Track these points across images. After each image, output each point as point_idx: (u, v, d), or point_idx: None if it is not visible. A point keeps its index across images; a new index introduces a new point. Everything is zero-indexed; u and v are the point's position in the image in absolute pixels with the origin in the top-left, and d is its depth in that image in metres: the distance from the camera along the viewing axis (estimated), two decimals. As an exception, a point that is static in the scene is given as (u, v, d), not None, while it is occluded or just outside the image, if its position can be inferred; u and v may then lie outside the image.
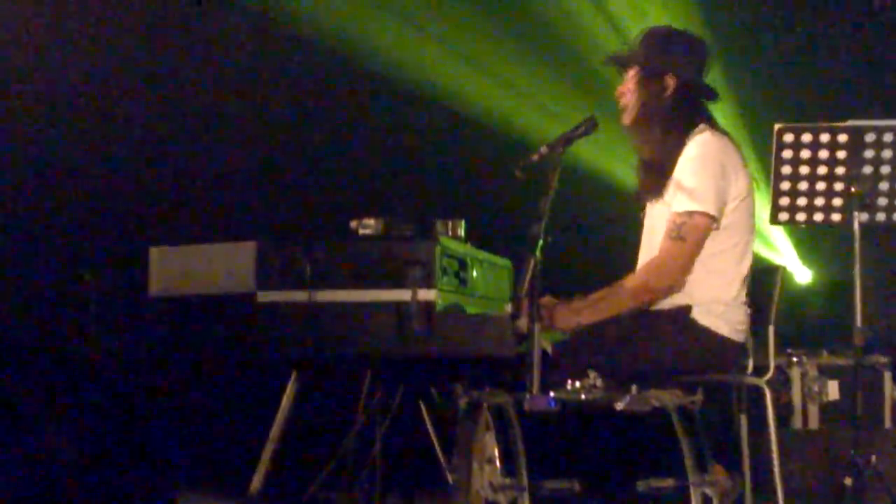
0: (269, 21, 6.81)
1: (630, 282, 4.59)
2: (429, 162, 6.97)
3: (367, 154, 6.93)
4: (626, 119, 4.71)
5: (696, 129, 4.61)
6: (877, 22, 6.98)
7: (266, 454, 4.86)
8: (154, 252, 4.95)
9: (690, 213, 4.50)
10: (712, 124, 4.65)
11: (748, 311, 4.63)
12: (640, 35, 4.77)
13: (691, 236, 4.50)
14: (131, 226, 6.35)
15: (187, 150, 6.67)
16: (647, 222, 4.73)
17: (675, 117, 4.61)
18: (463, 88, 6.90)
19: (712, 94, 4.72)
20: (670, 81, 4.64)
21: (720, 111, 4.80)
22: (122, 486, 5.51)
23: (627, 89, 4.70)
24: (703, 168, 4.52)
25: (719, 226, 4.52)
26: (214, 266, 4.83)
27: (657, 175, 4.61)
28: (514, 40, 6.99)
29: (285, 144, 6.81)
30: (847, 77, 6.99)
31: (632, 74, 4.70)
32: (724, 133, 4.66)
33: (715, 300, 4.56)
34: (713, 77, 4.78)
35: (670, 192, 4.58)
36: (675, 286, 4.54)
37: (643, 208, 4.74)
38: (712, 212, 4.49)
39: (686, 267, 4.53)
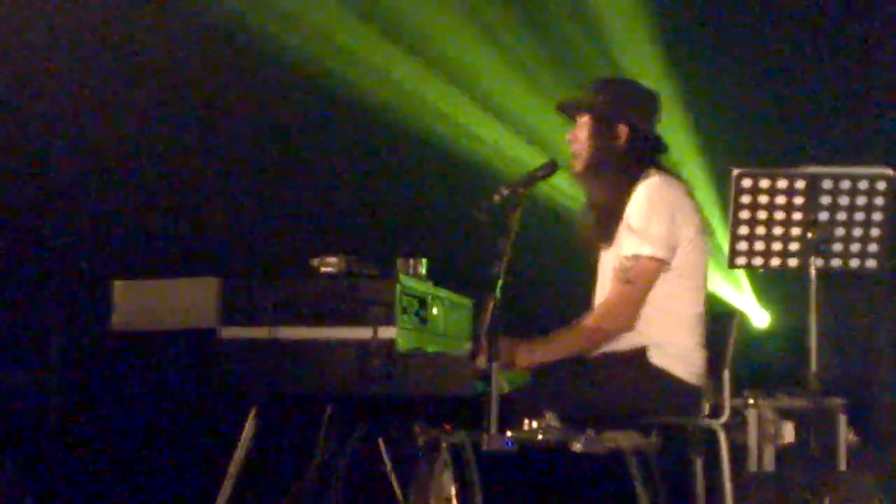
0: (225, 52, 6.80)
1: (581, 324, 4.64)
2: (391, 200, 6.99)
3: (330, 191, 6.94)
4: (577, 166, 4.76)
5: (647, 174, 4.67)
6: (838, 70, 7.07)
7: (225, 490, 4.84)
8: (117, 286, 4.95)
9: (638, 257, 4.55)
10: (662, 169, 4.71)
11: (705, 354, 4.68)
12: (592, 83, 4.83)
13: (639, 279, 4.56)
14: (95, 259, 6.32)
15: (152, 183, 6.66)
16: (600, 266, 4.78)
17: (627, 165, 4.68)
18: (427, 126, 6.92)
19: (662, 147, 4.79)
20: (622, 130, 4.70)
21: (682, 154, 4.86)
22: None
23: (578, 136, 4.75)
24: (651, 211, 4.57)
25: (670, 268, 4.58)
26: (177, 301, 4.84)
27: (608, 220, 4.67)
28: (478, 78, 7.03)
29: (249, 180, 6.81)
30: (807, 123, 7.06)
31: (584, 121, 4.75)
32: (675, 176, 4.73)
33: (671, 342, 4.60)
34: (675, 121, 4.85)
35: (621, 236, 4.64)
36: (624, 328, 4.59)
37: (597, 252, 4.79)
38: (660, 255, 4.54)
39: (634, 309, 4.58)
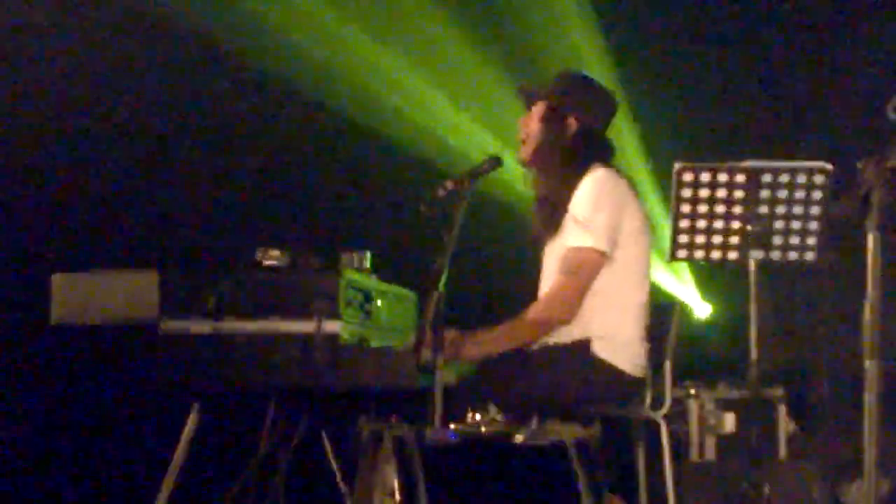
0: (161, 39, 6.74)
1: (525, 315, 4.66)
2: (335, 193, 6.97)
3: (273, 184, 6.91)
4: (524, 153, 4.79)
5: (592, 167, 4.70)
6: (778, 65, 7.13)
7: (167, 484, 4.82)
8: (56, 278, 4.91)
9: (581, 249, 4.59)
10: (607, 164, 4.74)
11: (647, 346, 4.71)
12: (556, 74, 4.86)
13: (581, 271, 4.59)
14: (33, 251, 6.26)
15: (91, 173, 6.59)
16: (545, 258, 4.80)
17: (573, 157, 4.71)
18: (372, 118, 6.91)
19: (611, 150, 4.81)
20: (572, 123, 4.73)
21: (624, 148, 4.90)
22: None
23: (529, 123, 4.78)
24: (596, 204, 4.61)
25: (613, 260, 4.61)
26: (117, 294, 4.80)
27: (552, 212, 4.70)
28: (426, 70, 7.02)
29: (191, 172, 6.76)
30: (747, 117, 7.12)
31: (537, 109, 4.78)
32: (619, 171, 4.77)
33: (614, 334, 4.63)
34: (618, 114, 4.88)
35: (565, 227, 4.66)
36: (566, 319, 4.62)
37: (543, 245, 4.81)
38: (603, 247, 4.58)
39: (575, 300, 4.60)
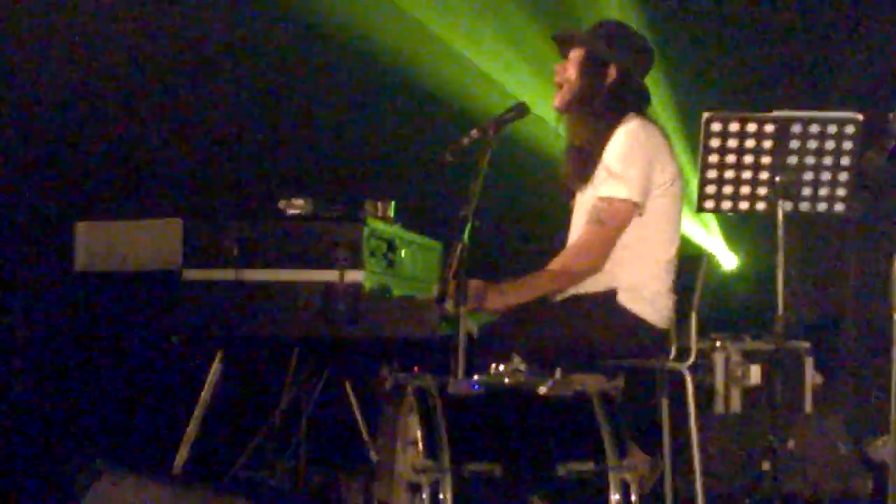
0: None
1: (553, 265, 4.63)
2: (360, 142, 6.95)
3: (298, 133, 6.89)
4: (560, 99, 4.73)
5: (626, 117, 4.65)
6: (807, 13, 7.05)
7: (190, 432, 4.84)
8: (80, 227, 4.91)
9: (612, 199, 4.55)
10: (642, 115, 4.69)
11: (674, 298, 4.68)
12: (595, 23, 4.80)
13: (611, 221, 4.55)
14: (58, 200, 6.27)
15: (116, 124, 6.59)
16: (576, 208, 4.77)
17: (609, 107, 4.66)
18: (397, 66, 6.87)
19: (647, 98, 4.77)
20: (612, 71, 4.68)
21: (652, 97, 4.85)
22: (43, 462, 5.47)
23: (567, 68, 4.72)
24: (628, 155, 4.56)
25: (643, 212, 4.57)
26: (141, 242, 4.81)
27: (585, 162, 4.65)
28: (450, 17, 6.97)
29: (216, 121, 6.75)
30: (776, 68, 7.05)
31: (576, 56, 4.72)
32: (653, 121, 4.71)
33: (642, 286, 4.60)
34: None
35: (597, 177, 4.62)
36: (594, 269, 4.58)
37: (573, 195, 4.78)
38: (635, 198, 4.53)
39: (604, 250, 4.57)
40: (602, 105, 4.66)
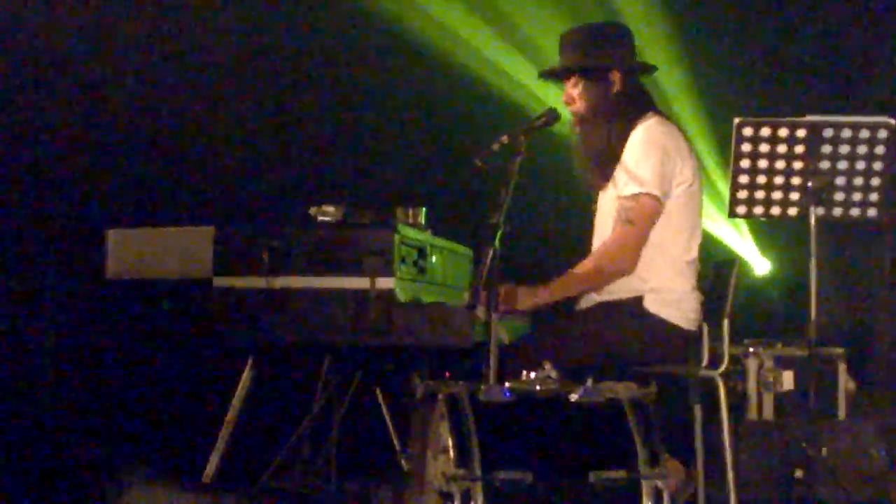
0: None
1: (583, 266, 4.63)
2: (390, 149, 6.95)
3: (329, 140, 6.90)
4: (578, 121, 4.73)
5: (643, 116, 4.64)
6: (839, 18, 7.01)
7: (221, 440, 4.84)
8: (111, 234, 4.92)
9: (637, 196, 4.54)
10: (659, 114, 4.69)
11: (699, 297, 4.67)
12: (565, 40, 4.77)
13: (640, 219, 4.55)
14: (90, 208, 6.29)
15: (148, 131, 6.61)
16: (598, 210, 4.77)
17: (624, 108, 4.66)
18: (427, 73, 6.87)
19: (652, 69, 4.77)
20: (615, 77, 4.67)
21: (681, 104, 4.84)
22: (75, 470, 5.49)
23: (573, 96, 4.71)
24: (648, 152, 4.56)
25: (665, 210, 4.56)
26: (172, 250, 4.82)
27: (606, 162, 4.65)
28: (480, 27, 6.96)
29: (247, 129, 6.76)
30: (807, 73, 7.01)
31: (573, 81, 4.71)
32: (670, 120, 4.72)
33: (665, 287, 4.60)
34: (675, 70, 4.82)
35: (618, 177, 4.61)
36: (626, 269, 4.59)
37: (595, 198, 4.77)
38: (657, 193, 4.53)
39: (637, 249, 4.57)
40: (616, 110, 4.66)
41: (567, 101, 4.73)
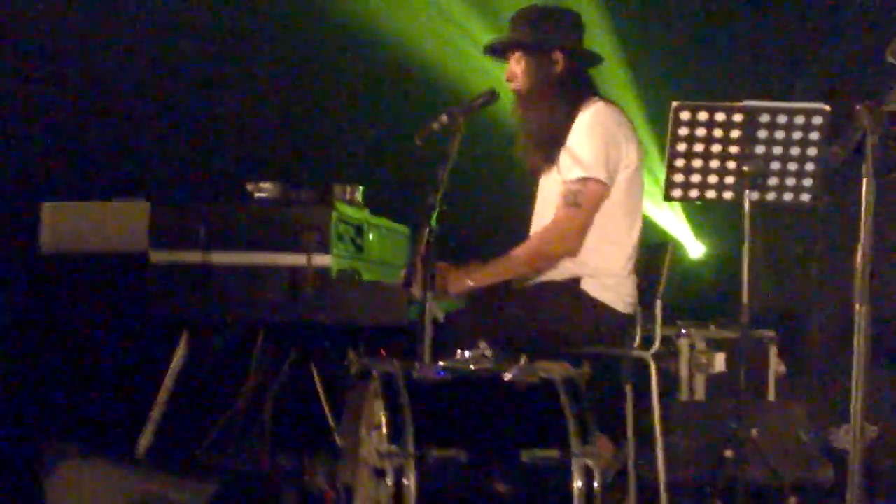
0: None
1: (523, 248, 4.64)
2: (328, 126, 6.93)
3: (267, 117, 6.87)
4: (515, 93, 4.74)
5: (589, 100, 4.66)
6: (778, 4, 7.07)
7: (155, 414, 4.83)
8: (46, 207, 4.88)
9: (584, 180, 4.56)
10: (603, 97, 4.71)
11: (637, 282, 4.71)
12: (514, 18, 4.78)
13: (586, 202, 4.57)
14: (23, 180, 6.23)
15: (85, 104, 6.55)
16: (539, 193, 4.78)
17: (566, 89, 4.67)
18: (367, 50, 6.85)
19: (597, 59, 4.79)
20: (558, 56, 4.68)
21: (617, 87, 4.87)
22: (6, 445, 5.44)
23: (516, 73, 4.72)
24: (594, 136, 4.58)
25: (610, 194, 4.59)
26: (108, 224, 4.79)
27: (549, 145, 4.66)
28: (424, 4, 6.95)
29: (186, 104, 6.72)
30: (744, 59, 7.07)
31: (517, 57, 4.72)
32: (616, 104, 4.73)
33: (605, 271, 4.63)
34: (612, 53, 4.84)
35: (563, 161, 4.63)
36: (570, 252, 4.61)
37: (536, 180, 4.79)
38: (604, 178, 4.56)
39: (581, 233, 4.59)
40: (559, 91, 4.67)
41: (509, 77, 4.74)
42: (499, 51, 4.81)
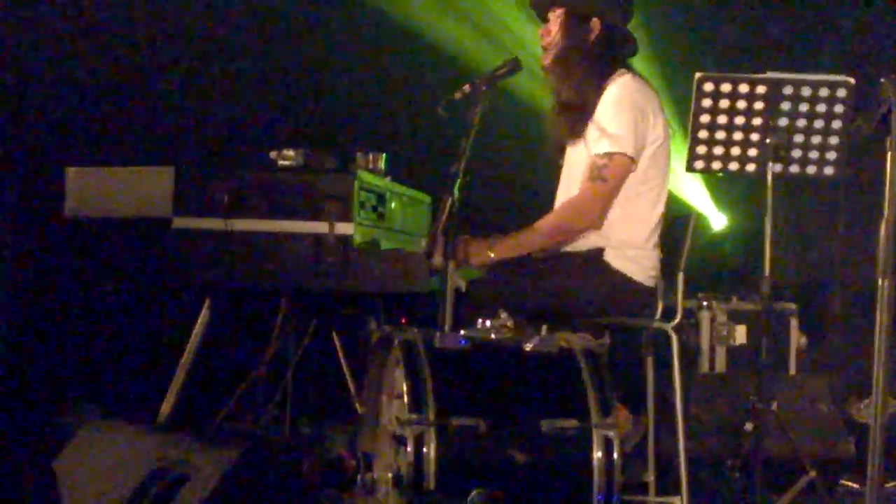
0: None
1: (546, 221, 4.63)
2: (352, 93, 6.93)
3: (291, 84, 6.87)
4: (546, 60, 4.72)
5: (616, 73, 4.64)
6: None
7: (177, 380, 4.86)
8: (71, 172, 4.90)
9: (611, 155, 4.54)
10: (631, 69, 4.70)
11: (660, 255, 4.70)
12: None
13: (611, 177, 4.55)
14: (49, 145, 6.25)
15: (111, 69, 6.56)
16: (565, 164, 4.77)
17: (597, 61, 4.65)
18: (389, 19, 6.84)
19: (633, 46, 4.76)
20: (595, 25, 4.67)
21: (639, 58, 4.85)
22: (29, 408, 5.49)
23: (550, 31, 4.71)
24: (622, 110, 4.56)
25: (636, 168, 4.58)
26: (132, 189, 4.80)
27: (577, 117, 4.64)
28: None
29: (210, 71, 6.72)
30: (769, 30, 7.03)
31: (556, 15, 4.71)
32: (643, 78, 4.71)
33: (629, 243, 4.62)
34: (633, 24, 4.82)
35: (590, 134, 4.62)
36: (593, 226, 4.60)
37: (562, 151, 4.78)
38: (631, 153, 4.54)
39: (605, 207, 4.58)
40: (590, 61, 4.65)
41: (543, 32, 4.72)
42: (541, 8, 4.78)
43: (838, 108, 4.52)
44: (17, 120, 6.28)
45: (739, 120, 4.56)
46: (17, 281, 6.09)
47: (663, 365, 4.74)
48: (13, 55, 6.32)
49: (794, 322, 6.18)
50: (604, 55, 4.67)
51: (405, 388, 3.63)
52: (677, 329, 4.67)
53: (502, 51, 6.47)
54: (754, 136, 4.58)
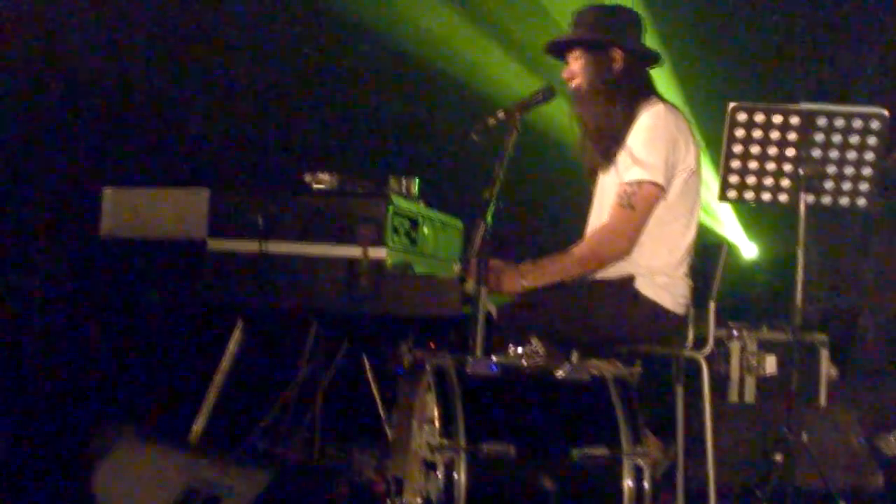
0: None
1: (578, 249, 4.63)
2: (386, 119, 6.96)
3: (326, 108, 6.91)
4: (577, 99, 4.73)
5: (649, 101, 4.66)
6: (830, 7, 7.02)
7: (209, 400, 4.88)
8: (107, 192, 4.94)
9: (640, 183, 4.55)
10: (662, 98, 4.71)
11: (690, 283, 4.70)
12: (573, 18, 4.78)
13: (641, 205, 4.55)
14: (86, 165, 6.30)
15: (148, 92, 6.61)
16: (597, 192, 4.77)
17: (625, 87, 4.66)
18: (425, 45, 6.88)
19: (656, 57, 4.77)
20: (617, 54, 4.68)
21: (667, 89, 4.85)
22: (64, 427, 5.51)
23: (575, 71, 4.72)
24: (655, 139, 4.56)
25: (667, 197, 4.58)
26: (167, 211, 4.84)
27: (608, 144, 4.65)
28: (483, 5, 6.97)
29: (246, 95, 6.77)
30: (802, 61, 7.03)
31: (576, 55, 4.72)
32: (676, 108, 4.72)
33: (659, 271, 4.62)
34: (664, 53, 4.82)
35: (621, 161, 4.63)
36: (623, 253, 4.59)
37: (594, 179, 4.79)
38: (661, 182, 4.54)
39: (634, 235, 4.58)
40: (618, 89, 4.66)
41: (568, 76, 4.74)
42: (559, 50, 4.80)
43: (871, 140, 4.52)
44: (55, 140, 6.33)
45: (772, 150, 4.57)
46: (51, 301, 6.13)
47: (693, 394, 4.73)
48: (52, 76, 6.38)
49: (824, 353, 6.15)
50: (631, 80, 4.68)
51: (436, 413, 3.63)
52: (708, 358, 4.67)
53: (536, 77, 6.49)
54: (787, 167, 4.58)
